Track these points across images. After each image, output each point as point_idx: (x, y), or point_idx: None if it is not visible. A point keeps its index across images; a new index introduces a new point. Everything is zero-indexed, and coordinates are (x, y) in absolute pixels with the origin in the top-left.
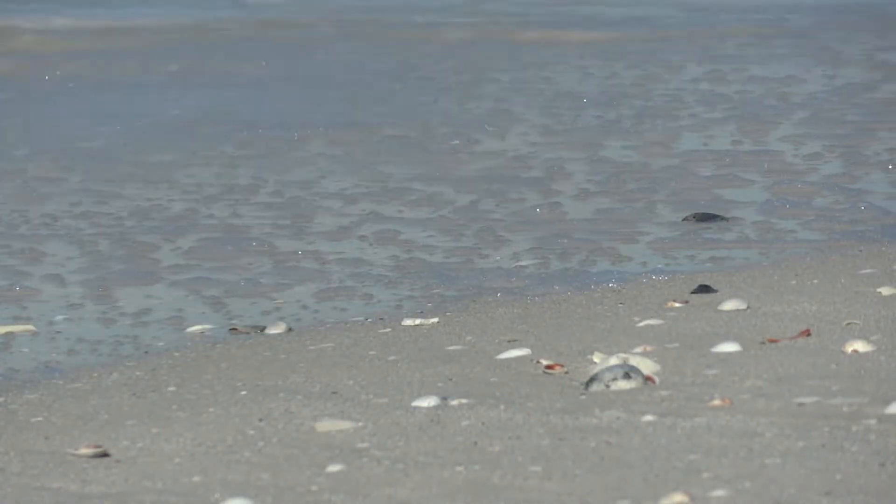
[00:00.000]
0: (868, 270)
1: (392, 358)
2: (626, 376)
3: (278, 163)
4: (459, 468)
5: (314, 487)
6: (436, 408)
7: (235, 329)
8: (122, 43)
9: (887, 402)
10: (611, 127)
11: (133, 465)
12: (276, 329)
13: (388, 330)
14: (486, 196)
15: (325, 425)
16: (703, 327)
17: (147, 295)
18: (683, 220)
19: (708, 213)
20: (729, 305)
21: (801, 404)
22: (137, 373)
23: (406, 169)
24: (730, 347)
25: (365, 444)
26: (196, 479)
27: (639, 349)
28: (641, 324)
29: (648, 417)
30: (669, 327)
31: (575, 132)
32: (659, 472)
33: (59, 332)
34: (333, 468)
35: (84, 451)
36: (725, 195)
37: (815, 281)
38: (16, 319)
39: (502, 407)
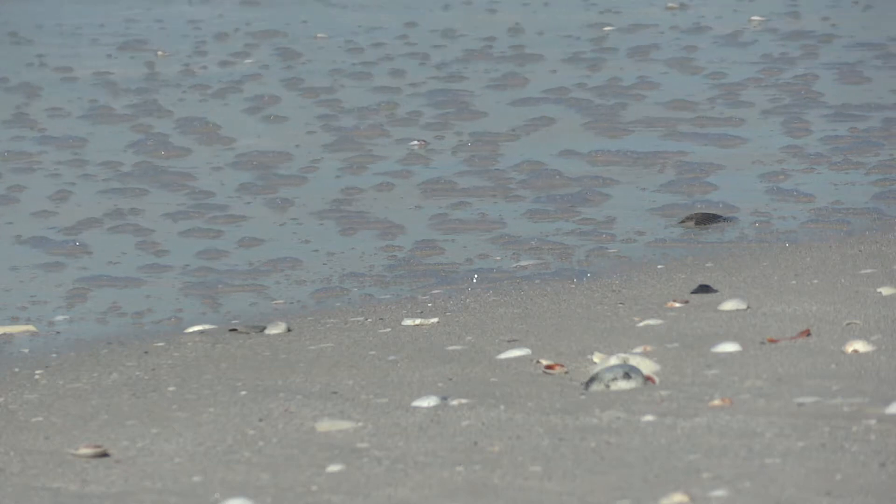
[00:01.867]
0: (868, 270)
1: (392, 358)
2: (626, 376)
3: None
4: (459, 468)
5: (314, 487)
6: (436, 408)
7: (235, 329)
8: None
9: (887, 402)
10: None
11: (133, 465)
12: (276, 329)
13: (388, 330)
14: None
15: (325, 425)
16: (703, 327)
17: (147, 295)
18: (682, 221)
19: (708, 214)
20: (729, 305)
21: (801, 404)
22: (137, 373)
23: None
24: (730, 347)
25: (365, 444)
26: (196, 479)
27: (639, 349)
28: (641, 324)
29: (648, 417)
30: (669, 327)
31: None
32: (659, 472)
33: (59, 332)
34: (333, 468)
35: (84, 451)
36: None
37: (815, 281)
38: (16, 320)
39: (502, 407)
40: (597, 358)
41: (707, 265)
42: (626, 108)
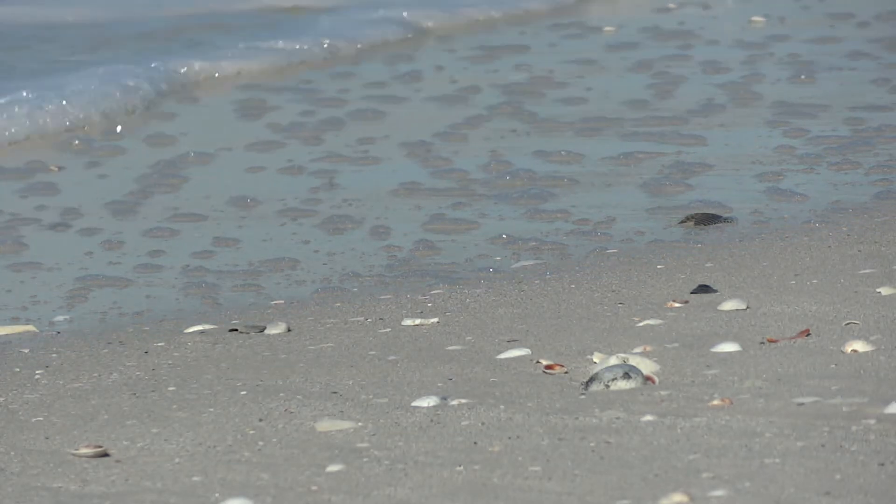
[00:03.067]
0: (868, 270)
1: (392, 358)
2: (626, 376)
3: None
4: (459, 468)
5: (314, 487)
6: (436, 408)
7: (235, 329)
8: None
9: (887, 402)
10: None
11: (133, 465)
12: (276, 329)
13: (388, 330)
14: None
15: (325, 425)
16: (702, 327)
17: (147, 295)
18: (682, 221)
19: (708, 214)
20: (729, 305)
21: (800, 404)
22: (137, 373)
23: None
24: (730, 347)
25: (365, 444)
26: (196, 479)
27: (639, 349)
28: (641, 324)
29: (648, 417)
30: (669, 327)
31: None
32: (659, 472)
33: (59, 332)
34: (333, 468)
35: (84, 451)
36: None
37: (815, 281)
38: (16, 320)
39: (502, 407)
40: (596, 358)
41: (707, 265)
42: (593, 109)
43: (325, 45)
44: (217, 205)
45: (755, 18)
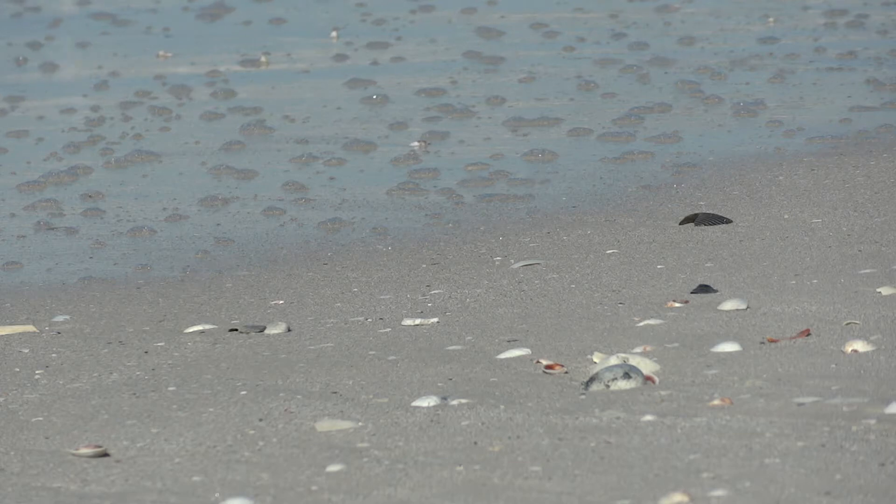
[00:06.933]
0: (868, 270)
1: (392, 358)
2: (626, 376)
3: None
4: (459, 468)
5: (314, 487)
6: (436, 408)
7: (235, 329)
8: None
9: (887, 402)
10: None
11: (133, 465)
12: (276, 329)
13: (388, 330)
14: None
15: (325, 425)
16: (703, 327)
17: (147, 295)
18: (682, 221)
19: (709, 214)
20: (729, 305)
21: (801, 404)
22: (137, 373)
23: None
24: (730, 347)
25: (365, 444)
26: (196, 479)
27: (639, 349)
28: (641, 324)
29: (648, 417)
30: (669, 327)
31: None
32: (659, 472)
33: (59, 332)
34: (333, 468)
35: (84, 451)
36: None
37: (815, 281)
38: (16, 320)
39: (502, 407)
40: (597, 358)
41: (707, 265)
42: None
43: None
44: (215, 203)
45: (770, 19)
